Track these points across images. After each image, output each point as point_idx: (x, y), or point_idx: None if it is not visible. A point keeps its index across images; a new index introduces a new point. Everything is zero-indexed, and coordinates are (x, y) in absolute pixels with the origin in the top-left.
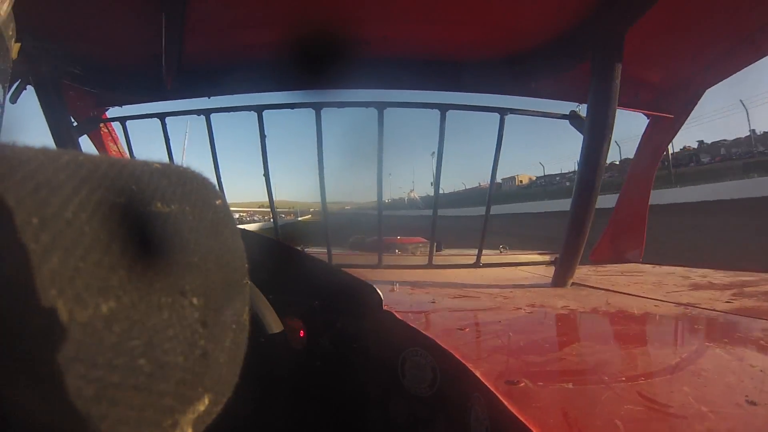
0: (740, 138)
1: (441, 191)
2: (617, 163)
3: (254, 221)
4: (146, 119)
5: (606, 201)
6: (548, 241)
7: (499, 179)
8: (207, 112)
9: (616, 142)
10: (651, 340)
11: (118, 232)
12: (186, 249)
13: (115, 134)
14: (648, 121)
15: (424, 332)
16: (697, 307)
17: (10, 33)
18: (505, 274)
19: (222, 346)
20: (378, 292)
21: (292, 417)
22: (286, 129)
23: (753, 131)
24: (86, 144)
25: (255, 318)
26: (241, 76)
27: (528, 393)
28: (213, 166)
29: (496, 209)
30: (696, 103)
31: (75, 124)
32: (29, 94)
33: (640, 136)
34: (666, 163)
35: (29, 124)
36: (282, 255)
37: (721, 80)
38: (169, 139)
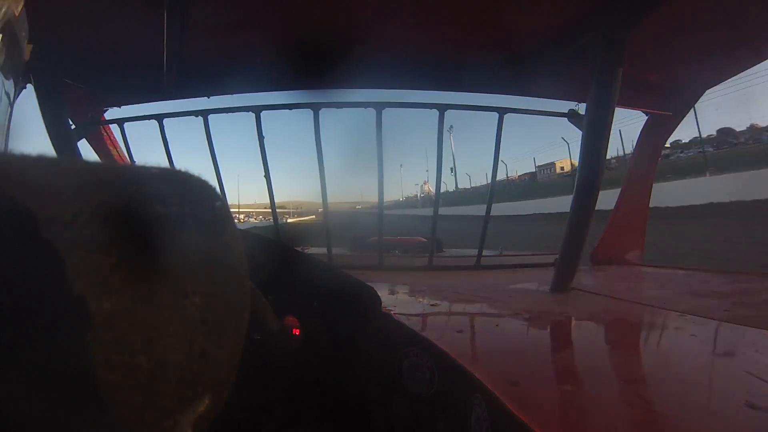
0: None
1: (464, 186)
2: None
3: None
4: (144, 121)
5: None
6: None
7: (531, 168)
8: (205, 113)
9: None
10: (650, 344)
11: (120, 233)
12: (186, 250)
13: (114, 137)
14: (647, 118)
15: (422, 333)
16: (696, 314)
17: (24, 34)
18: (505, 276)
19: (222, 346)
20: (377, 294)
21: (292, 417)
22: (291, 129)
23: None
24: (85, 146)
25: (255, 318)
26: (240, 77)
27: (528, 393)
28: (212, 167)
29: (529, 205)
30: (696, 102)
31: (73, 126)
32: (27, 96)
33: (638, 135)
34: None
35: (28, 127)
36: (282, 255)
37: (721, 81)
38: (167, 141)
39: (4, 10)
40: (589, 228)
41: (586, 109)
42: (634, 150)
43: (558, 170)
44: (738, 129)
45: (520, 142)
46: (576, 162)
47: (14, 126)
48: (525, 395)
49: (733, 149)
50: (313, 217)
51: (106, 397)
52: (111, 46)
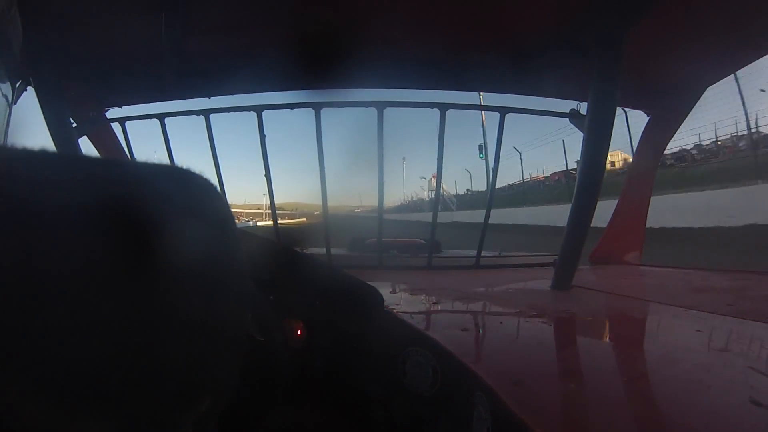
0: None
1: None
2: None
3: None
4: (146, 120)
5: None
6: None
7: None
8: (206, 113)
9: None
10: (652, 341)
11: (120, 233)
12: (187, 249)
13: (115, 135)
14: (648, 118)
15: (425, 332)
16: (698, 309)
17: (17, 36)
18: (505, 275)
19: (223, 347)
20: (379, 293)
21: (293, 417)
22: (290, 129)
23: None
24: (86, 145)
25: (255, 318)
26: (241, 76)
27: (530, 392)
28: (213, 166)
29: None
30: (697, 101)
31: (74, 125)
32: (29, 95)
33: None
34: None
35: (29, 125)
36: (282, 256)
37: (722, 78)
38: (168, 140)
39: None
40: (589, 226)
41: (588, 109)
42: (635, 150)
43: (609, 166)
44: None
45: (547, 137)
46: (628, 157)
47: (16, 124)
48: (527, 394)
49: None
50: (304, 219)
51: (106, 398)
52: (112, 46)
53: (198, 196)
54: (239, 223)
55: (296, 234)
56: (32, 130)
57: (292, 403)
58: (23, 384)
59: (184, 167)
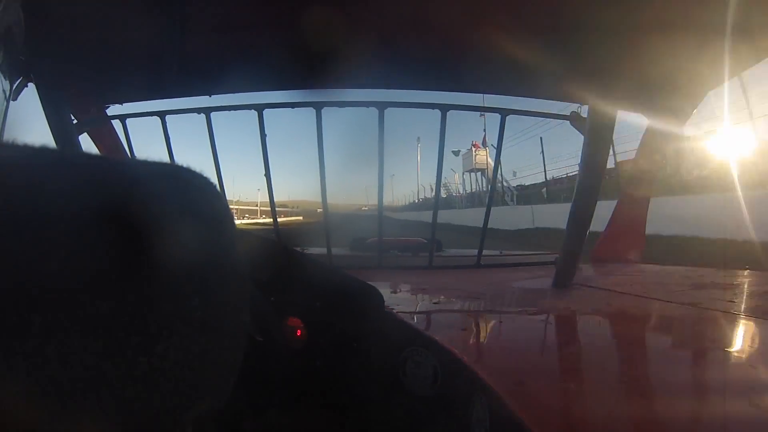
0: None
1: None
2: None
3: None
4: (147, 117)
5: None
6: None
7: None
8: (207, 111)
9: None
10: (653, 340)
11: (118, 232)
12: (186, 249)
13: (115, 133)
14: (648, 122)
15: (425, 332)
16: (699, 306)
17: (20, 34)
18: (506, 274)
19: (222, 347)
20: (379, 293)
21: (293, 417)
22: (291, 128)
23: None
24: (87, 142)
25: (255, 318)
26: (241, 75)
27: (529, 393)
28: (213, 165)
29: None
30: (697, 104)
31: (75, 122)
32: (29, 92)
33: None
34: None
35: (30, 122)
36: (282, 256)
37: (723, 82)
38: (169, 138)
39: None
40: (589, 226)
41: (588, 112)
42: (637, 152)
43: None
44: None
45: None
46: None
47: (17, 120)
48: (528, 394)
49: None
50: (300, 218)
51: (105, 398)
52: (113, 43)
53: (196, 195)
54: None
55: (287, 236)
56: (33, 127)
57: (291, 403)
58: (22, 384)
59: (183, 166)
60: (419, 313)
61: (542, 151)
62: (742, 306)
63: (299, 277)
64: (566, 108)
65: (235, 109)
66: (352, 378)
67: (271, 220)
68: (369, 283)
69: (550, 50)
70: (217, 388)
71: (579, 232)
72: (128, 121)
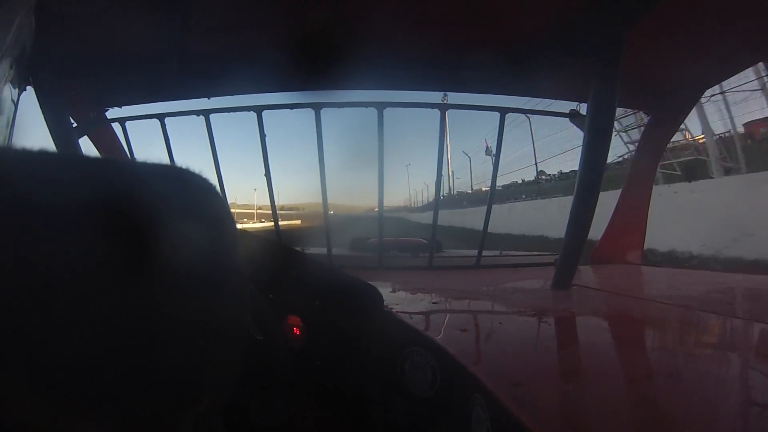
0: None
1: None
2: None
3: None
4: (146, 120)
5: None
6: None
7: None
8: (206, 113)
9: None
10: (652, 341)
11: (119, 233)
12: (186, 249)
13: (115, 135)
14: (648, 118)
15: (424, 332)
16: (698, 309)
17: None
18: (505, 275)
19: (222, 347)
20: (379, 292)
21: (292, 417)
22: (292, 130)
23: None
24: (87, 145)
25: (255, 318)
26: (241, 77)
27: (528, 394)
28: (213, 166)
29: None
30: (697, 101)
31: (75, 125)
32: (29, 95)
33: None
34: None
35: (30, 126)
36: (282, 256)
37: (722, 80)
38: (169, 140)
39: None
40: (590, 226)
41: (588, 109)
42: (635, 150)
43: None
44: None
45: None
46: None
47: (16, 124)
48: (527, 396)
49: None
50: (299, 222)
51: (105, 398)
52: (112, 46)
53: (196, 196)
54: None
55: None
56: (33, 130)
57: (291, 403)
58: (23, 384)
59: (183, 167)
60: (419, 313)
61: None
62: (742, 309)
63: (299, 277)
64: (566, 106)
65: (234, 111)
66: (351, 378)
67: (262, 223)
68: (369, 283)
69: (550, 49)
70: (218, 387)
71: (579, 232)
72: (128, 124)
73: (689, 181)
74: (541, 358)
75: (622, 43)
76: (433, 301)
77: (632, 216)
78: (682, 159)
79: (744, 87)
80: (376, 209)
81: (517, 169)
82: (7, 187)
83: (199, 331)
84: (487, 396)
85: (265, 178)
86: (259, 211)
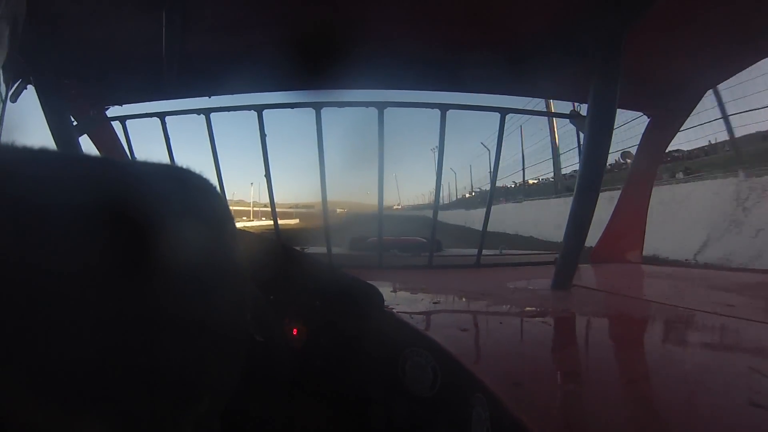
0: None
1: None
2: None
3: None
4: (146, 118)
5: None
6: None
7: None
8: (207, 112)
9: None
10: (652, 342)
11: (118, 233)
12: (186, 249)
13: (116, 134)
14: (649, 119)
15: (424, 332)
16: (698, 309)
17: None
18: (506, 274)
19: (222, 347)
20: (379, 292)
21: (292, 417)
22: (295, 129)
23: None
24: (87, 143)
25: (255, 318)
26: (241, 76)
27: (529, 394)
28: (213, 166)
29: None
30: (697, 103)
31: (75, 123)
32: (30, 95)
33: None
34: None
35: (29, 124)
36: (282, 255)
37: (722, 81)
38: (169, 139)
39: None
40: (589, 226)
41: (588, 110)
42: (636, 151)
43: None
44: None
45: None
46: None
47: (17, 122)
48: (527, 396)
49: None
50: (297, 221)
51: (105, 398)
52: (113, 44)
53: (196, 196)
54: None
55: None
56: (33, 129)
57: (291, 403)
58: (23, 384)
59: (183, 166)
60: (419, 313)
61: None
62: (742, 309)
63: (299, 277)
64: (566, 106)
65: (234, 110)
66: (351, 378)
67: (257, 223)
68: (369, 282)
69: (550, 49)
70: (218, 387)
71: (579, 232)
72: (128, 122)
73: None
74: (542, 358)
75: (622, 43)
76: (434, 300)
77: (632, 216)
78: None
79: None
80: (397, 206)
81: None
82: (7, 186)
83: (199, 332)
84: (487, 396)
85: (265, 179)
86: (255, 209)
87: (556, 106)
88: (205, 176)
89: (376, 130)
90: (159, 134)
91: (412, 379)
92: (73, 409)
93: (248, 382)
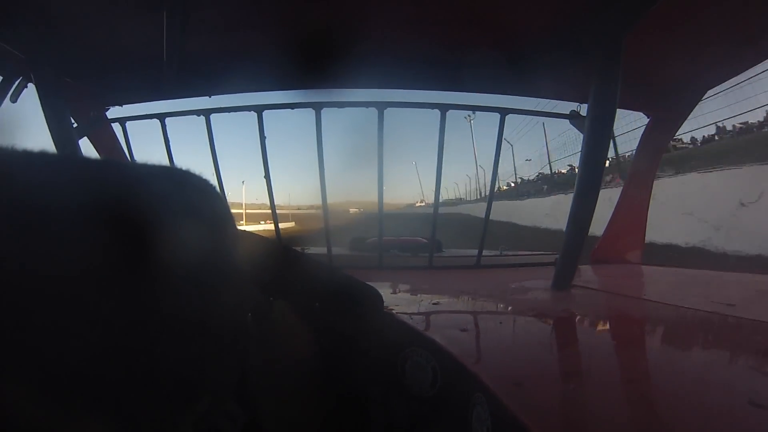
0: None
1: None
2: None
3: None
4: (146, 120)
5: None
6: None
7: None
8: (207, 113)
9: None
10: (652, 342)
11: (119, 234)
12: (186, 250)
13: (115, 136)
14: (648, 120)
15: (424, 333)
16: (698, 309)
17: None
18: (505, 275)
19: (221, 347)
20: (378, 293)
21: (292, 417)
22: (295, 130)
23: None
24: (86, 145)
25: (255, 318)
26: (241, 76)
27: (530, 394)
28: (213, 167)
29: None
30: (697, 103)
31: (75, 125)
32: (29, 95)
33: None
34: None
35: (29, 126)
36: (282, 256)
37: (722, 82)
38: (168, 140)
39: None
40: (589, 226)
41: (588, 110)
42: (636, 151)
43: None
44: None
45: None
46: None
47: (16, 124)
48: (527, 395)
49: None
50: (293, 224)
51: (105, 398)
52: (112, 45)
53: (196, 197)
54: None
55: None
56: (34, 131)
57: (290, 403)
58: (23, 384)
59: (183, 168)
60: (419, 313)
61: None
62: (742, 309)
63: (299, 278)
64: (566, 106)
65: (234, 111)
66: (351, 378)
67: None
68: (368, 283)
69: (550, 50)
70: (218, 387)
71: (579, 232)
72: (128, 124)
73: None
74: (542, 358)
75: (622, 43)
76: (433, 301)
77: (632, 216)
78: None
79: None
80: (419, 203)
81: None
82: (8, 188)
83: (198, 332)
84: (487, 396)
85: (264, 180)
86: (248, 211)
87: (556, 106)
88: (204, 177)
89: (385, 128)
90: (158, 136)
91: (412, 378)
92: (72, 410)
93: (248, 381)
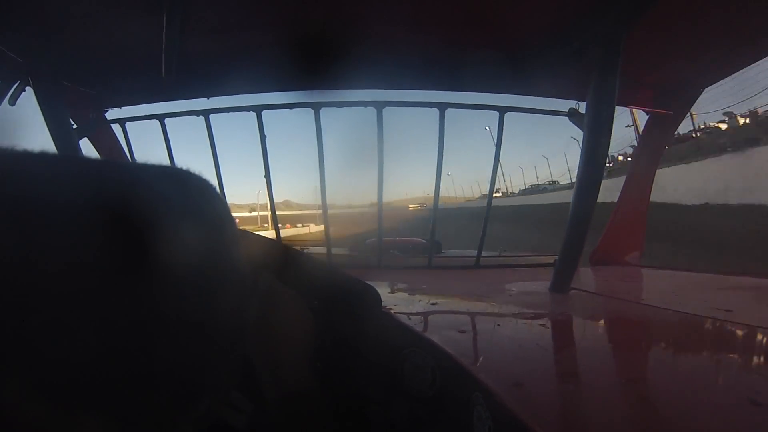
0: None
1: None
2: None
3: None
4: (146, 121)
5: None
6: None
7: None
8: (206, 113)
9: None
10: (652, 344)
11: (120, 234)
12: (186, 250)
13: (115, 136)
14: (647, 118)
15: (423, 333)
16: (697, 313)
17: None
18: (505, 275)
19: (221, 347)
20: (377, 293)
21: (292, 418)
22: (296, 130)
23: None
24: (86, 146)
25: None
26: (240, 77)
27: (529, 394)
28: (213, 167)
29: None
30: (695, 101)
31: (75, 126)
32: (30, 95)
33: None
34: None
35: (29, 128)
36: (281, 256)
37: (721, 79)
38: (169, 141)
39: None
40: (589, 226)
41: (587, 108)
42: (635, 150)
43: None
44: None
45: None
46: None
47: (17, 125)
48: (526, 396)
49: None
50: (287, 226)
51: (104, 398)
52: (111, 46)
53: (196, 197)
54: None
55: None
56: (34, 132)
57: (290, 403)
58: (22, 384)
59: (183, 168)
60: (417, 314)
61: None
62: (741, 312)
63: (299, 278)
64: (565, 104)
65: (233, 111)
66: (350, 379)
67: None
68: (367, 283)
69: (549, 48)
70: (217, 387)
71: (578, 233)
72: (128, 125)
73: None
74: (541, 359)
75: (621, 42)
76: (432, 302)
77: (631, 217)
78: None
79: None
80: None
81: None
82: (8, 188)
83: (198, 333)
84: (487, 396)
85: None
86: (247, 214)
87: (555, 103)
88: (204, 177)
89: (390, 128)
90: (159, 136)
91: (412, 379)
92: (72, 410)
93: (248, 381)
